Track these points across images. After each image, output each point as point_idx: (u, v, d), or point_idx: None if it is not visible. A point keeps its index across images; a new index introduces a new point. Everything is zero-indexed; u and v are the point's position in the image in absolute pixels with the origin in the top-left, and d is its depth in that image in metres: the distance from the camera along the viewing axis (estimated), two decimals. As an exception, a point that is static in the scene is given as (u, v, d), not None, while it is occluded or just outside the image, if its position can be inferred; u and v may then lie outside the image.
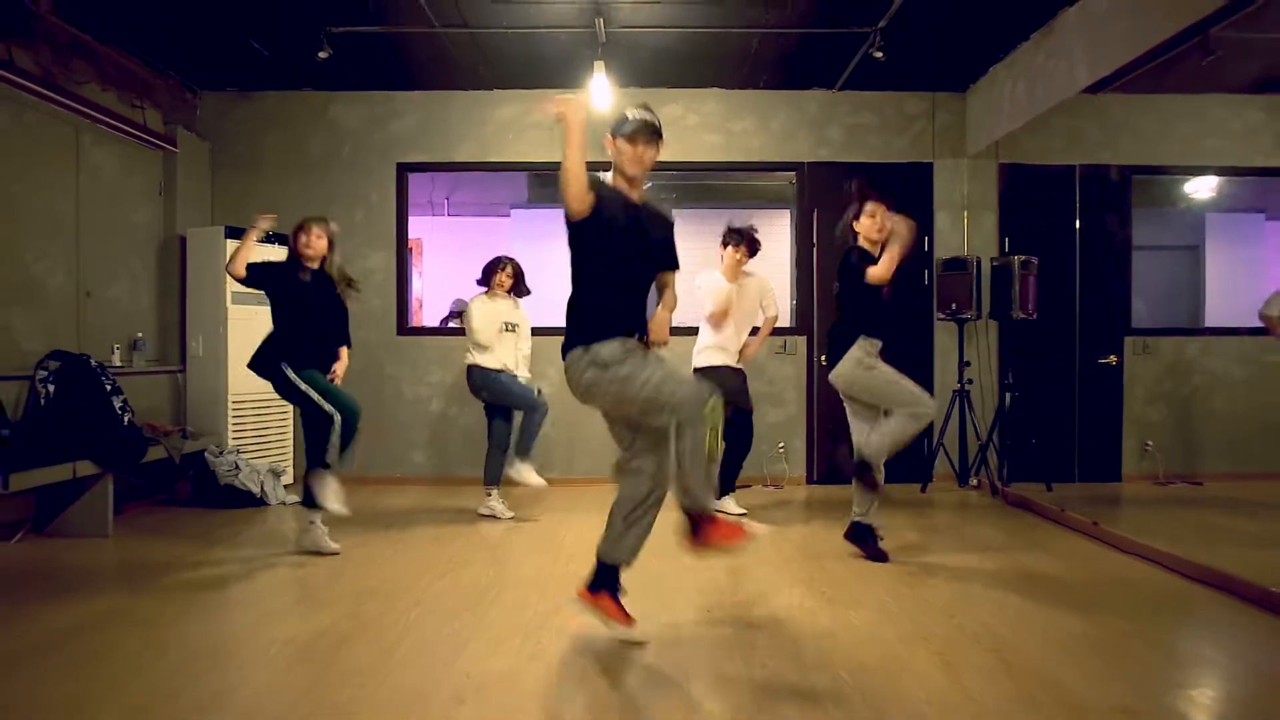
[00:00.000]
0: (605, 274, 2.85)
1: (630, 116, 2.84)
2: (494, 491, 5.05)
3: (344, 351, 4.41)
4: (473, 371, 5.02)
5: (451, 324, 7.99)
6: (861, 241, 4.08)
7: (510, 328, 5.08)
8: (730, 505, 5.03)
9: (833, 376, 4.06)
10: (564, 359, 2.86)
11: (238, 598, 3.53)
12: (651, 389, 2.70)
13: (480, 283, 5.16)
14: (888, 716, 2.32)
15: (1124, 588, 3.64)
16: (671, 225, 3.08)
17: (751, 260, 5.21)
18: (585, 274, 2.88)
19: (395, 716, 2.32)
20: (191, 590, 3.56)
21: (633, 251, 2.87)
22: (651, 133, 2.83)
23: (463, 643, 2.90)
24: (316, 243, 4.16)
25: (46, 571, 3.82)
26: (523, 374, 5.13)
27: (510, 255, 5.26)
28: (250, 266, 4.10)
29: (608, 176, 2.91)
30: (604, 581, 2.90)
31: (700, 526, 2.75)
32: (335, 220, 6.23)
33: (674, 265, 3.07)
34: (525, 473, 4.94)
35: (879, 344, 4.03)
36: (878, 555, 3.99)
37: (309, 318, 4.16)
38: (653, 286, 3.04)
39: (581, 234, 2.81)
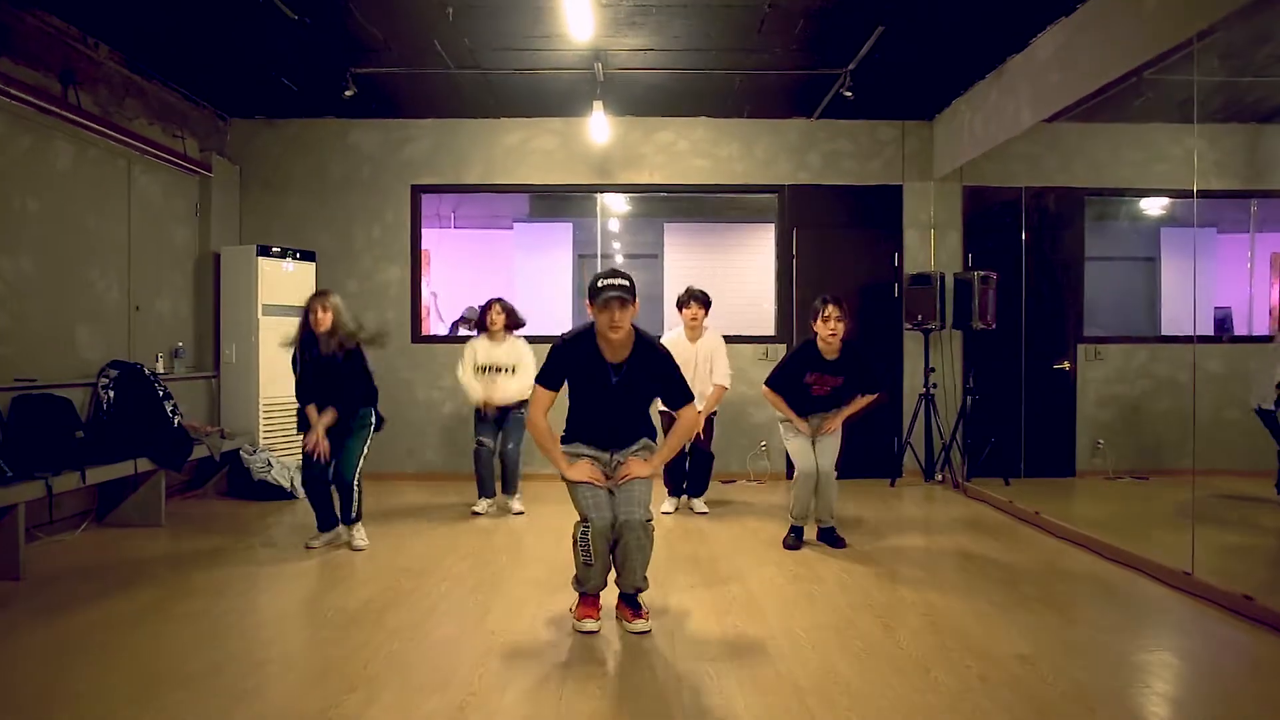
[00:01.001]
0: (574, 400, 3.40)
1: (600, 285, 3.13)
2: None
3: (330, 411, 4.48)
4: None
5: (462, 330, 8.57)
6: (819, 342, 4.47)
7: (489, 370, 5.42)
8: (698, 505, 5.62)
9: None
10: None
11: (289, 574, 4.10)
12: (573, 495, 3.28)
13: (477, 326, 5.58)
14: (831, 661, 2.91)
15: (1048, 567, 4.24)
16: (655, 367, 3.30)
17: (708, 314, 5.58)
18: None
19: (437, 664, 2.90)
20: (248, 570, 4.14)
21: (594, 393, 3.30)
22: (620, 301, 3.09)
23: (487, 609, 3.48)
24: (324, 317, 4.41)
25: (117, 558, 4.39)
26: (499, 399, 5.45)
27: (500, 297, 5.60)
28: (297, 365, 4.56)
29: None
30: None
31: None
32: (353, 239, 6.86)
33: (638, 401, 3.37)
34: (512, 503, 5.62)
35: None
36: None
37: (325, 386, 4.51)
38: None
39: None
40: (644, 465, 3.32)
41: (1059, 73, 5.02)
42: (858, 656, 2.95)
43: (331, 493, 4.55)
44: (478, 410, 5.51)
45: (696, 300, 5.46)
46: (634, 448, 3.38)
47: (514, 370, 5.44)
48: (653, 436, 3.46)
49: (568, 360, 3.28)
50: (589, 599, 3.31)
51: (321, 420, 4.43)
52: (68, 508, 4.79)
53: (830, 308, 4.38)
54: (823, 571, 4.09)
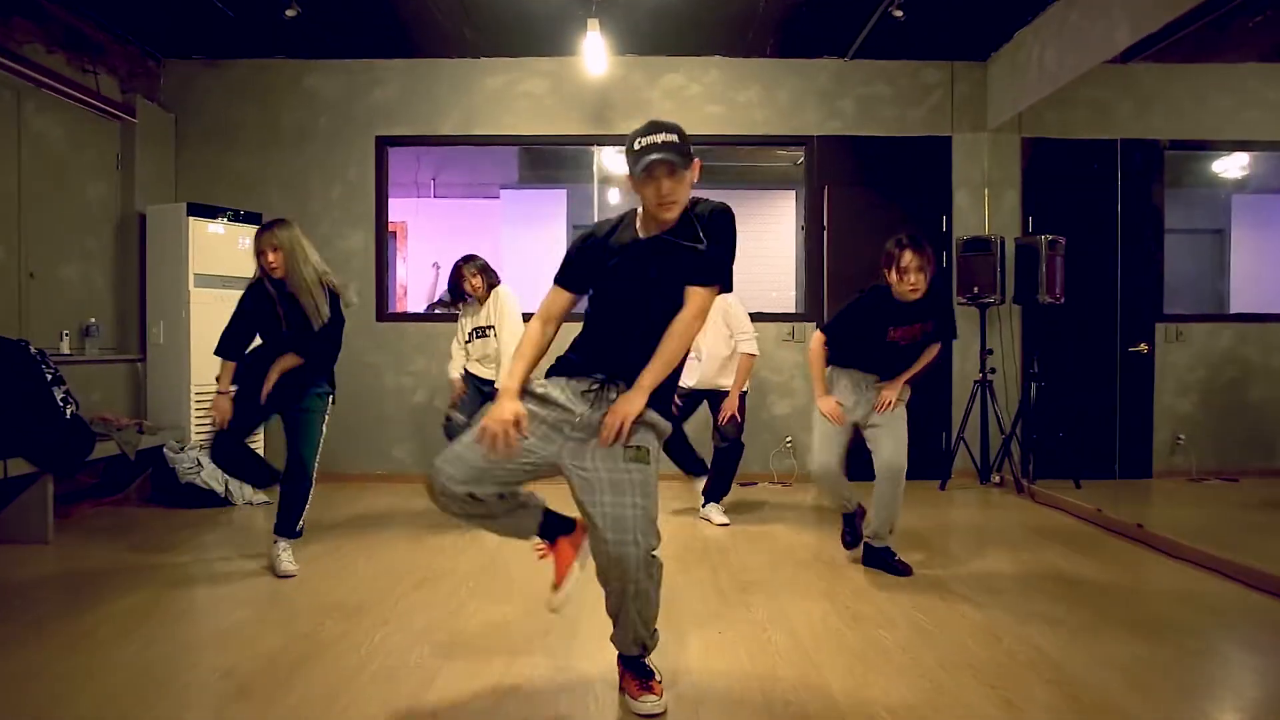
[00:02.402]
0: (591, 316, 2.30)
1: (639, 147, 2.11)
2: None
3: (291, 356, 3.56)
4: (465, 375, 4.65)
5: (439, 310, 7.56)
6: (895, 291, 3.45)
7: (484, 332, 4.54)
8: (716, 514, 4.58)
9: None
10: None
11: (180, 611, 3.10)
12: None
13: (453, 295, 4.64)
14: (944, 772, 1.90)
15: (1183, 599, 3.23)
16: (707, 229, 2.18)
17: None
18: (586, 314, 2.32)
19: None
20: (134, 606, 3.12)
21: (618, 288, 2.23)
22: (668, 166, 2.08)
23: (432, 675, 2.47)
24: (274, 258, 3.46)
25: (-31, 583, 3.38)
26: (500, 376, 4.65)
27: (472, 253, 4.65)
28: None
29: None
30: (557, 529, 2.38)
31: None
32: (309, 198, 5.86)
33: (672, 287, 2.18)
34: None
35: None
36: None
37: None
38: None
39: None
40: (631, 400, 2.11)
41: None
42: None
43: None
44: (466, 380, 4.64)
45: None
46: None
47: (489, 333, 4.52)
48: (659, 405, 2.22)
49: (598, 247, 2.24)
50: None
51: (280, 364, 3.48)
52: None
53: (909, 255, 3.31)
54: (890, 610, 3.07)
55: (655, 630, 2.29)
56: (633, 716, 2.19)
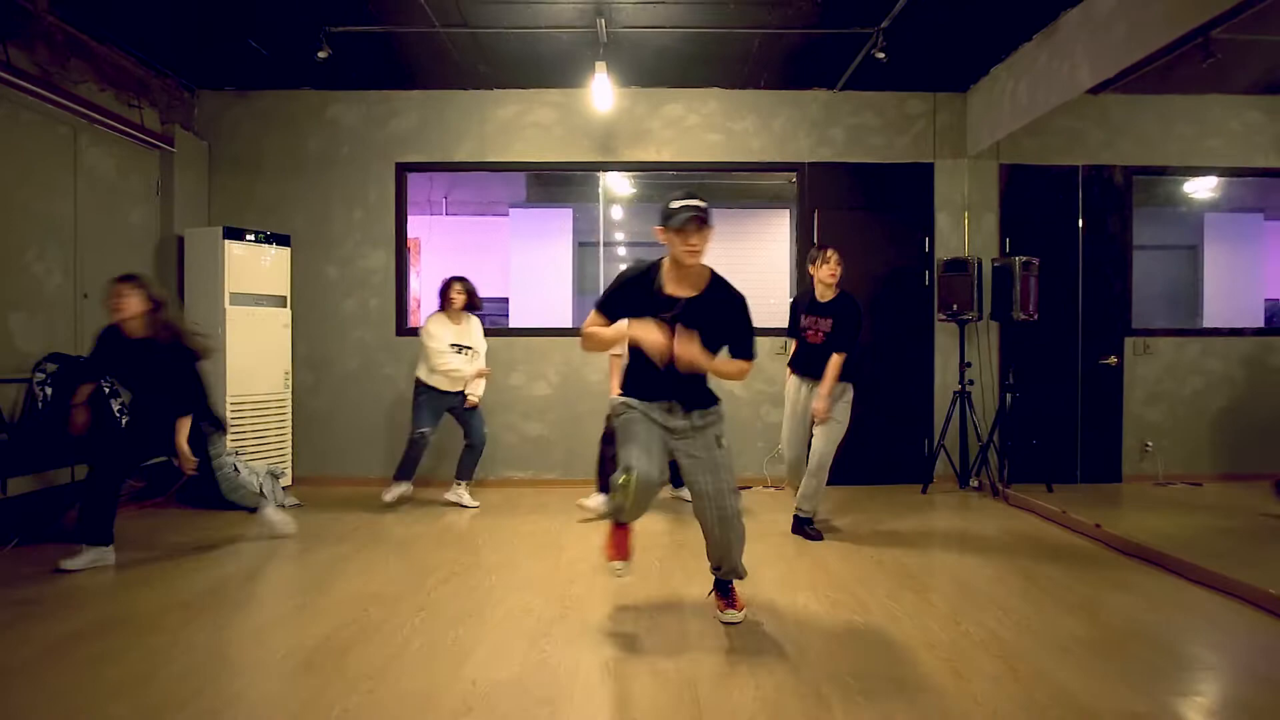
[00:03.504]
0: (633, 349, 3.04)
1: (675, 207, 2.86)
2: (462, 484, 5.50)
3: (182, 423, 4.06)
4: (422, 389, 5.33)
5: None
6: (816, 284, 4.61)
7: (462, 350, 5.32)
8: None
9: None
10: None
11: (236, 601, 3.50)
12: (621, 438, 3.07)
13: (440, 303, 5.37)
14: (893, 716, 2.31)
15: (1125, 591, 3.64)
16: (727, 309, 3.02)
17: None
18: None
19: (402, 726, 2.31)
20: (195, 595, 3.54)
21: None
22: (699, 221, 2.84)
23: (467, 650, 2.88)
24: (126, 303, 3.90)
25: (47, 577, 3.79)
26: (475, 393, 5.42)
27: (463, 275, 5.48)
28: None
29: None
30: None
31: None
32: (332, 220, 6.28)
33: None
34: (463, 494, 5.48)
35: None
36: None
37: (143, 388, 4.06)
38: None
39: None
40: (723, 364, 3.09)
41: (1126, 24, 4.42)
42: (924, 714, 2.35)
43: None
44: (424, 393, 5.32)
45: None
46: (709, 414, 3.12)
47: (469, 352, 5.36)
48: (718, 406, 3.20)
49: (631, 289, 2.97)
50: (621, 530, 3.19)
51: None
52: (-5, 520, 4.19)
53: (831, 251, 4.50)
54: (864, 598, 3.49)
55: (743, 565, 3.20)
56: (643, 684, 2.60)
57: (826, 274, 4.46)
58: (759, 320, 5.95)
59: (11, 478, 3.84)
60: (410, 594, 3.53)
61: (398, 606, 3.36)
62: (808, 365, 4.57)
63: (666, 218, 2.87)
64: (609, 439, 5.02)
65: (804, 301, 4.65)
